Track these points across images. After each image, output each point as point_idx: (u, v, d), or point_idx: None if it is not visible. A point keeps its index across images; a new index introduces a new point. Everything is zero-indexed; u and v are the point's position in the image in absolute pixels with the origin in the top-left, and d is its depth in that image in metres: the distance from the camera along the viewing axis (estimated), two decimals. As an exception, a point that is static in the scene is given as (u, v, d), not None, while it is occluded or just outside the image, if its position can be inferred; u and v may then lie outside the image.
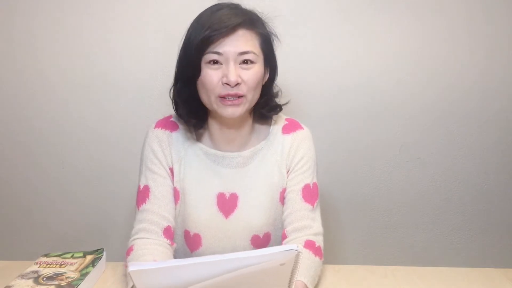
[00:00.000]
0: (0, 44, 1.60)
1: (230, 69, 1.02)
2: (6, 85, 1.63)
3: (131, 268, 0.68)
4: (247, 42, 1.05)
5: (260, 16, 1.11)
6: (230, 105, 1.05)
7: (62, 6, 1.58)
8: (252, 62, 1.05)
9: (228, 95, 1.04)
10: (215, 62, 1.04)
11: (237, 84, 1.03)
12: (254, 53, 1.05)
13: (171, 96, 1.15)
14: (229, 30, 1.02)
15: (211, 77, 1.04)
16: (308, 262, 1.04)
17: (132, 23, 1.59)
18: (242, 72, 1.04)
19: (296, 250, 0.71)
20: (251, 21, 1.07)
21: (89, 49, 1.60)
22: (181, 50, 1.10)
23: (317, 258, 1.06)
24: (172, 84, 1.14)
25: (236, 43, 1.03)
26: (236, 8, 1.08)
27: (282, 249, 0.71)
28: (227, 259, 0.69)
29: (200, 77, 1.06)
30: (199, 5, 1.10)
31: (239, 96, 1.05)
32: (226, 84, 1.03)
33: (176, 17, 1.54)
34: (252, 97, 1.08)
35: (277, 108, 1.18)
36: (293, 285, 0.78)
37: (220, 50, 1.03)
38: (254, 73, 1.05)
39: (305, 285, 0.98)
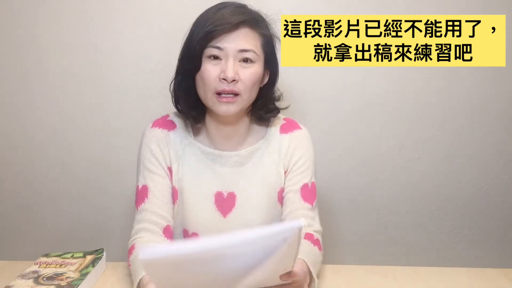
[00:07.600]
0: (1, 44, 1.60)
1: (229, 65, 1.03)
2: (6, 85, 1.63)
3: (142, 256, 0.66)
4: (249, 41, 1.05)
5: (265, 18, 1.12)
6: (225, 102, 1.05)
7: (63, 6, 1.58)
8: (251, 61, 1.06)
9: (224, 91, 1.04)
10: (215, 57, 1.05)
11: (234, 80, 1.04)
12: (254, 52, 1.06)
13: (171, 90, 1.16)
14: (232, 26, 1.03)
15: (209, 72, 1.05)
16: (308, 249, 1.04)
17: (132, 23, 1.59)
18: (241, 70, 1.05)
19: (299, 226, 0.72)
20: (255, 21, 1.08)
21: (89, 49, 1.60)
22: (183, 44, 1.11)
23: (316, 248, 1.07)
24: (173, 77, 1.14)
25: (238, 40, 1.04)
26: (241, 7, 1.09)
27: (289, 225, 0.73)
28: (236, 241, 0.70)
29: (200, 72, 1.06)
30: (200, 5, 1.10)
31: (235, 94, 1.05)
32: (224, 79, 1.04)
33: (176, 17, 1.54)
34: (248, 97, 1.08)
35: (275, 111, 1.19)
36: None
37: (221, 45, 1.03)
38: (252, 72, 1.06)
39: (304, 262, 0.97)
